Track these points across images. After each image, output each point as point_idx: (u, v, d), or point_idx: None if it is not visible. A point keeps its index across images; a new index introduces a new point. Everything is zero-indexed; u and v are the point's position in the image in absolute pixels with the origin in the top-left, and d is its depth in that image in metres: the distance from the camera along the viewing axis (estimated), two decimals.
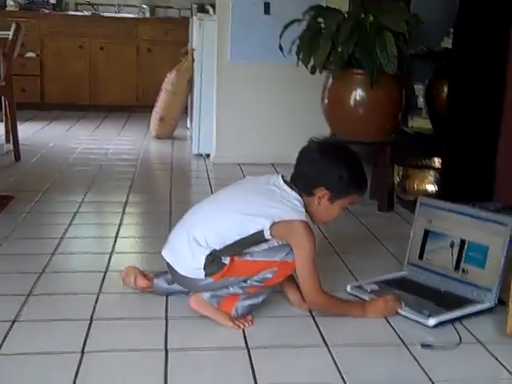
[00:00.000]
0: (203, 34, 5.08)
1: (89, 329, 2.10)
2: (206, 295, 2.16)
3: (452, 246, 2.45)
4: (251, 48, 4.80)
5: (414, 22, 3.48)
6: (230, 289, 2.16)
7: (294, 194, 2.18)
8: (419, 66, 3.94)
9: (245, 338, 2.08)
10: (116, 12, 7.83)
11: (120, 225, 3.29)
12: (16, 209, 3.47)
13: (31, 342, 2.01)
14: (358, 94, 3.55)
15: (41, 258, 2.74)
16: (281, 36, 3.69)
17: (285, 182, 2.22)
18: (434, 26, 3.77)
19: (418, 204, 2.62)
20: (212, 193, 3.94)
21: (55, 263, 2.71)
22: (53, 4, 7.50)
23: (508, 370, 1.92)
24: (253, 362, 1.92)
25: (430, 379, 1.85)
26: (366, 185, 2.28)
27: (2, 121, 5.34)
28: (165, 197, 3.90)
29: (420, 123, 3.97)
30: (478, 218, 2.39)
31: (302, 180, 2.21)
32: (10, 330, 2.08)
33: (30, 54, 7.23)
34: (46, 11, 7.39)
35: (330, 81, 3.63)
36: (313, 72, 3.64)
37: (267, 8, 4.74)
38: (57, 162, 4.77)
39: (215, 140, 4.98)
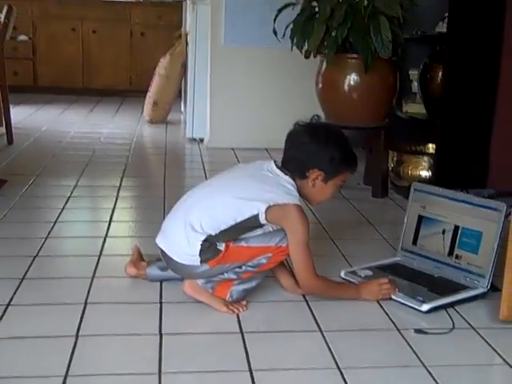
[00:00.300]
0: (197, 18, 5.05)
1: (83, 313, 2.10)
2: (201, 280, 2.17)
3: (445, 231, 2.46)
4: (245, 32, 4.78)
5: (409, 6, 3.46)
6: (225, 274, 2.17)
7: (286, 178, 2.18)
8: (414, 51, 3.93)
9: (239, 322, 2.08)
10: None
11: (114, 209, 3.29)
12: (9, 192, 3.46)
13: (25, 326, 2.00)
14: (352, 78, 3.53)
15: (34, 241, 2.74)
16: (275, 20, 3.67)
17: (277, 166, 2.22)
18: (428, 10, 3.76)
19: (411, 190, 2.62)
20: (206, 177, 3.94)
21: (49, 247, 2.70)
22: None
23: (500, 356, 1.93)
24: (247, 346, 1.92)
25: (423, 364, 1.85)
26: (356, 161, 2.30)
27: None
28: (159, 181, 3.89)
29: (414, 108, 3.97)
30: (472, 203, 2.40)
31: (294, 164, 2.21)
32: (4, 313, 2.07)
33: (23, 37, 7.19)
34: None
35: (324, 65, 3.61)
36: (307, 56, 3.63)
37: None
38: (50, 145, 4.76)
39: (209, 124, 4.97)
